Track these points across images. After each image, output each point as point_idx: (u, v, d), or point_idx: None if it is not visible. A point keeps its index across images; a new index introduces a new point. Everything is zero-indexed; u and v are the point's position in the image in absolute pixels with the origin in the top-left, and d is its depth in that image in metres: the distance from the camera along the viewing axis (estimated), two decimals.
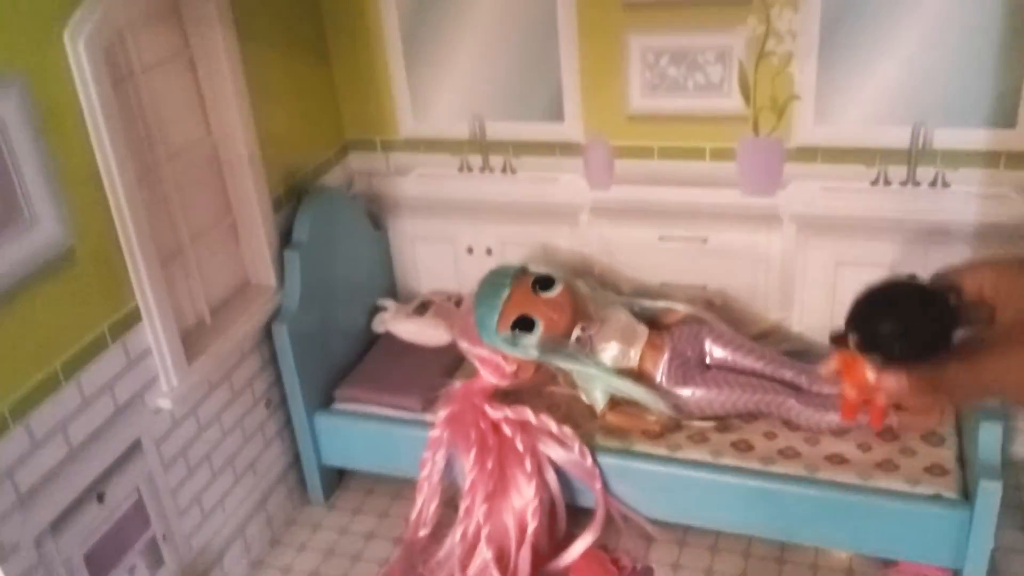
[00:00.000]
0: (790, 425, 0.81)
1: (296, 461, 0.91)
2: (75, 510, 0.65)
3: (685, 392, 0.81)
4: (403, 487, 0.89)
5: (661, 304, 0.87)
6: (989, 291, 0.55)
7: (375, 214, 0.99)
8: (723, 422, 0.82)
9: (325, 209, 0.88)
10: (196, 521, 0.78)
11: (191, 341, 0.75)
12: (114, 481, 0.68)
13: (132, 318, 0.69)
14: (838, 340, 0.49)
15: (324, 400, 0.90)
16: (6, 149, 0.57)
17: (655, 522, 0.82)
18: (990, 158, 0.77)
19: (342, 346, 0.93)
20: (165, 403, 0.72)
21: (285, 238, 0.85)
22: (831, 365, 0.48)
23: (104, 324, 0.66)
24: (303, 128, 0.90)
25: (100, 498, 0.67)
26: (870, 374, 0.51)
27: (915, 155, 0.79)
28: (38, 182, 0.60)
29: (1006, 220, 0.79)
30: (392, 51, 0.91)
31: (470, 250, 0.99)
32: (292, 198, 0.87)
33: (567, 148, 0.90)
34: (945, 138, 0.77)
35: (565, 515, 0.83)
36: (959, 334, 0.54)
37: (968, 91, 0.75)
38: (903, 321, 0.56)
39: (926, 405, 0.58)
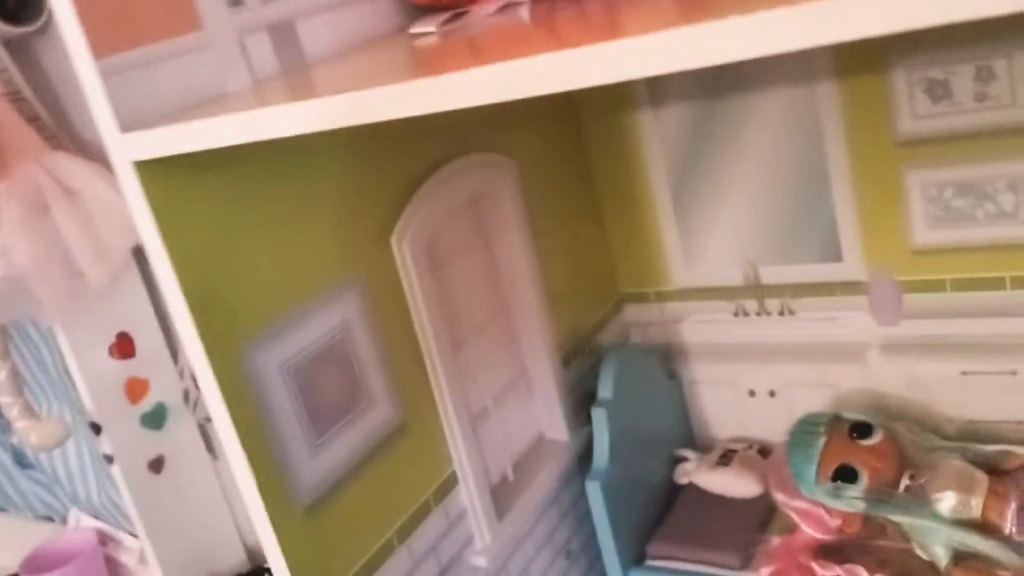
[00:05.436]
0: None
1: None
2: None
3: None
4: None
5: (996, 448, 0.81)
6: None
7: (666, 364, 1.01)
8: None
9: (625, 365, 0.91)
10: None
11: (498, 498, 0.80)
12: None
13: (450, 482, 0.75)
14: None
15: (636, 556, 0.90)
16: (350, 345, 0.67)
17: None
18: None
19: (648, 499, 0.93)
20: (481, 561, 0.77)
21: (573, 394, 0.89)
22: None
23: (429, 490, 0.73)
24: (582, 287, 0.95)
25: None
26: None
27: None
28: (375, 368, 0.69)
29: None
30: (662, 206, 0.95)
31: (752, 393, 0.98)
32: (577, 355, 0.91)
33: (848, 287, 0.88)
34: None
35: None
36: None
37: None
38: None
39: None
